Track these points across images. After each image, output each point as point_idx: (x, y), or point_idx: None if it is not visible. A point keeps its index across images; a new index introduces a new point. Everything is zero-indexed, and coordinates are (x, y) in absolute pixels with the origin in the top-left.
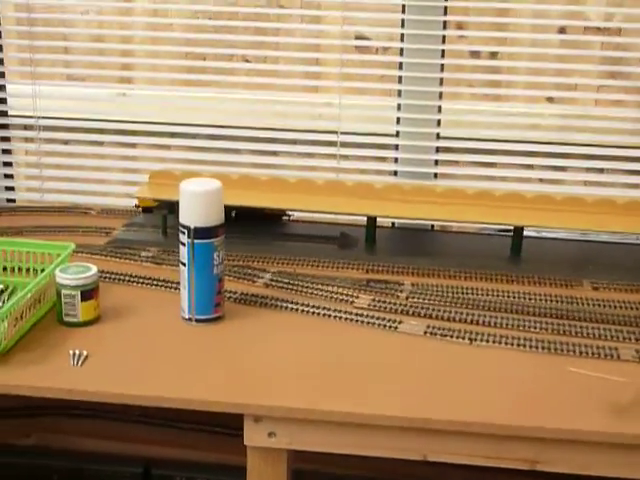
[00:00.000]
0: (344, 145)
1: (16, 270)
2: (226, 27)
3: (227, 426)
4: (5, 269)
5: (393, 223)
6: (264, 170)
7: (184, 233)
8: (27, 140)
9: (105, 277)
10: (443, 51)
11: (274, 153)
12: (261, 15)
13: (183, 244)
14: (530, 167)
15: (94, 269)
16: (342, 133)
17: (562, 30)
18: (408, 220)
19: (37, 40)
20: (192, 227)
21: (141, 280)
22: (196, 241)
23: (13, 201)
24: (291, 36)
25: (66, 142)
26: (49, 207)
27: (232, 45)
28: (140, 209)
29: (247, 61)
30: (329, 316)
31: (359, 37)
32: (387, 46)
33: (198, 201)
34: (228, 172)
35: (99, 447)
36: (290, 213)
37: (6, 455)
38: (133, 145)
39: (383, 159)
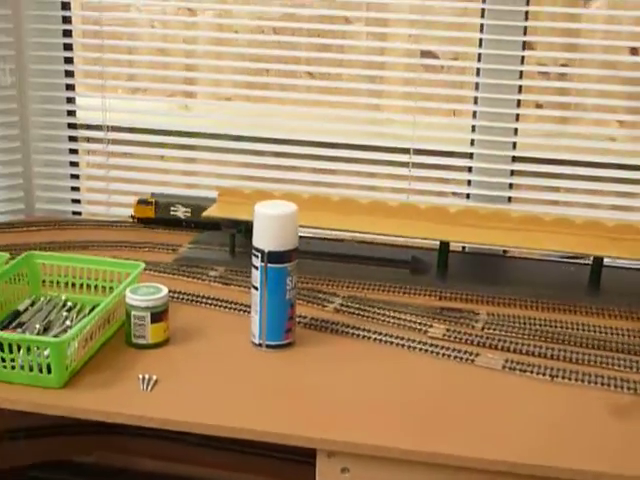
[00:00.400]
0: (416, 166)
1: (84, 287)
2: (290, 43)
3: (296, 452)
4: (73, 285)
5: (463, 247)
6: (330, 189)
7: (257, 257)
8: (95, 153)
9: (173, 297)
10: (521, 72)
11: (344, 172)
12: (326, 31)
13: (256, 268)
14: (599, 192)
15: (165, 290)
16: (415, 154)
17: (634, 51)
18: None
19: (107, 53)
20: (266, 251)
21: (209, 301)
22: (269, 265)
23: (79, 214)
24: (358, 52)
25: (129, 155)
26: (115, 221)
27: (296, 61)
28: (136, 220)
29: (311, 75)
30: (402, 346)
31: (426, 55)
32: (463, 65)
33: (273, 225)
34: (299, 191)
35: (160, 468)
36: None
37: (66, 472)
38: (194, 160)
39: (455, 181)
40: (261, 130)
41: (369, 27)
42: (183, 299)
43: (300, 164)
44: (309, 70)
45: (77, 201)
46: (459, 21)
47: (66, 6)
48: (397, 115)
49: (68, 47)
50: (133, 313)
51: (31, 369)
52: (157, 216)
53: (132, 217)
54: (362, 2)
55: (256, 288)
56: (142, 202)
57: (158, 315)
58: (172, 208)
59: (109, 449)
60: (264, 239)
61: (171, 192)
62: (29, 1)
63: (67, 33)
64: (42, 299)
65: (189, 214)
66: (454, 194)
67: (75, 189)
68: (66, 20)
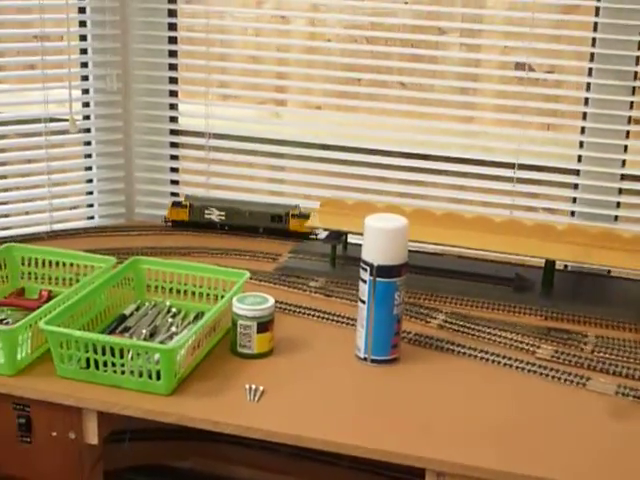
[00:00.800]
0: (520, 181)
1: (189, 293)
2: (383, 53)
3: (399, 470)
4: (178, 291)
5: (566, 265)
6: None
7: (366, 270)
8: (196, 160)
9: (275, 306)
10: (634, 88)
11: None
12: (419, 42)
13: (364, 281)
14: None
15: (271, 300)
16: (519, 169)
17: None
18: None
19: (212, 61)
20: (375, 265)
21: (311, 312)
22: (378, 279)
23: None
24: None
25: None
26: (216, 228)
27: (388, 71)
28: (170, 223)
29: (403, 85)
30: (510, 366)
31: (520, 67)
32: (563, 79)
33: (383, 238)
34: (402, 204)
35: (254, 476)
36: (316, 232)
37: (161, 476)
38: (283, 168)
39: (560, 197)
40: (350, 140)
41: (463, 38)
42: (285, 309)
43: (390, 175)
44: (402, 80)
45: None
46: (558, 33)
47: (172, 13)
48: (490, 128)
49: (173, 54)
50: (239, 322)
51: (140, 375)
52: (191, 219)
53: (165, 220)
54: (457, 13)
55: (363, 302)
56: (177, 205)
57: (264, 325)
58: (206, 211)
59: (204, 455)
60: (373, 252)
61: (205, 195)
62: (136, 8)
63: (172, 40)
64: (147, 304)
65: (223, 217)
66: (544, 210)
67: (175, 195)
68: (172, 27)
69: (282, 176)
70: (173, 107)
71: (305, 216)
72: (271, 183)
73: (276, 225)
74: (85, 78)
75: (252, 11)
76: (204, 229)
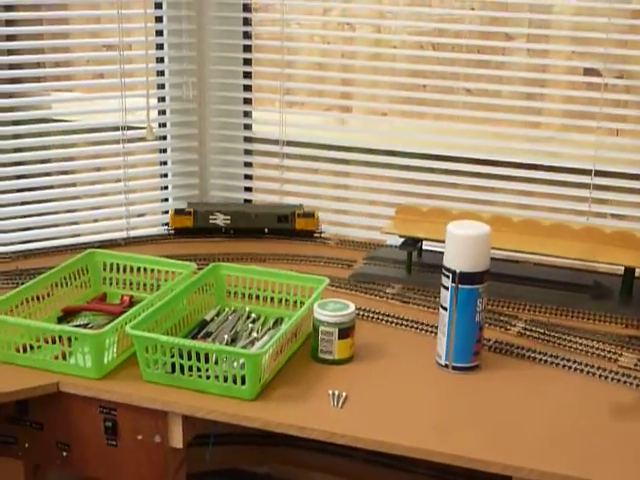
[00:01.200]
0: (597, 188)
1: (268, 299)
2: (449, 59)
3: (477, 477)
4: (257, 297)
5: None
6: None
7: (448, 277)
8: (270, 167)
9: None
10: None
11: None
12: (485, 47)
13: (446, 288)
14: None
15: (352, 307)
16: (596, 175)
17: None
18: None
19: (286, 69)
20: (457, 271)
21: (389, 319)
22: (460, 286)
23: None
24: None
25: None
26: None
27: (454, 77)
28: (172, 230)
29: (469, 92)
30: (592, 374)
31: (589, 73)
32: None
33: (466, 245)
34: (479, 211)
35: None
36: (321, 230)
37: None
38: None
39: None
40: (416, 146)
41: (530, 44)
42: (363, 315)
43: (458, 181)
44: (468, 87)
45: None
46: (629, 39)
47: (247, 22)
48: (555, 133)
49: (247, 62)
50: (321, 328)
51: (225, 380)
52: (195, 225)
53: (168, 228)
54: (524, 18)
55: (445, 308)
56: (179, 212)
57: (345, 331)
58: (211, 216)
59: (280, 461)
60: (456, 259)
61: (207, 200)
62: (212, 17)
63: (247, 48)
64: (227, 310)
65: (229, 221)
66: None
67: (248, 202)
68: (246, 35)
69: (347, 182)
70: (247, 115)
71: (310, 215)
72: (337, 189)
73: (283, 225)
74: (161, 86)
75: (323, 19)
76: (209, 234)
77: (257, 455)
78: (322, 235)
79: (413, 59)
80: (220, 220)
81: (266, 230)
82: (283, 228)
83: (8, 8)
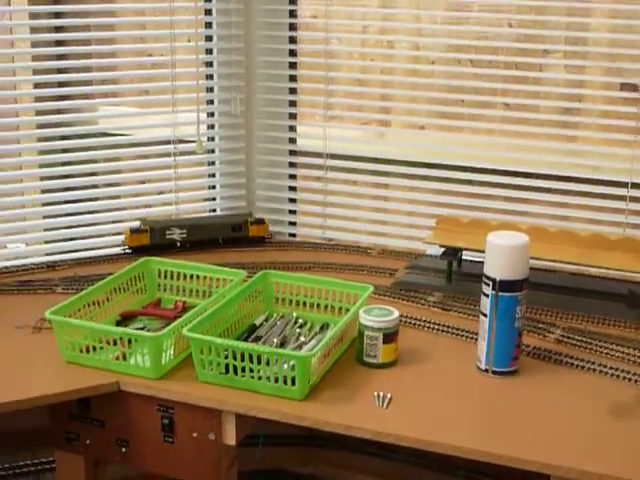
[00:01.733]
0: (634, 200)
1: (314, 306)
2: (487, 75)
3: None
4: (304, 304)
5: None
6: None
7: (488, 285)
8: (314, 179)
9: None
10: None
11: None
12: (522, 64)
13: (486, 295)
14: None
15: (396, 313)
16: (633, 187)
17: None
18: None
19: (330, 85)
20: (497, 279)
21: (431, 325)
22: (500, 294)
23: (294, 236)
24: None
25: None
26: (332, 244)
27: (492, 92)
28: (128, 248)
29: (507, 106)
30: (628, 379)
31: (625, 88)
32: None
33: (506, 254)
34: (516, 222)
35: None
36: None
37: None
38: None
39: None
40: (454, 159)
41: (567, 60)
42: (406, 322)
43: (495, 193)
44: (506, 101)
45: (293, 223)
46: None
47: (293, 40)
48: (592, 147)
49: (292, 78)
50: (366, 333)
51: (276, 380)
52: (152, 242)
53: (123, 246)
54: (561, 36)
55: (485, 315)
56: (135, 231)
57: (389, 336)
58: (168, 232)
59: (325, 462)
60: (496, 268)
61: (161, 217)
62: (260, 35)
63: (292, 65)
64: (275, 315)
65: (185, 235)
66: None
67: (292, 212)
68: (292, 53)
69: (387, 193)
70: (292, 129)
71: (260, 221)
72: (376, 200)
73: (236, 234)
74: (210, 102)
75: (367, 37)
76: (164, 250)
77: (302, 456)
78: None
79: (451, 75)
80: (177, 235)
81: (220, 240)
82: (237, 237)
83: (59, 29)
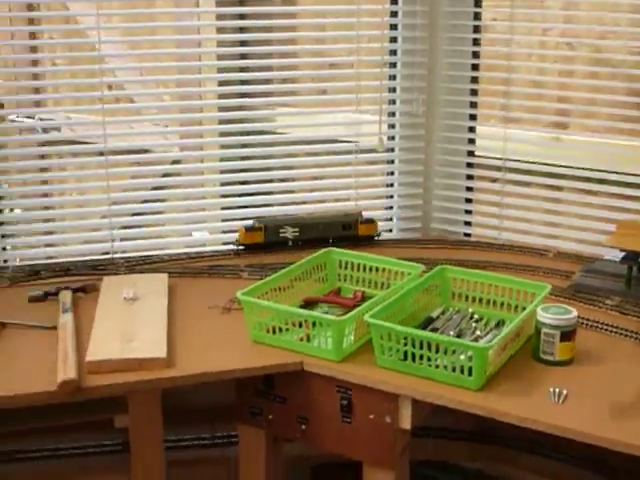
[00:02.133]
0: None
1: (490, 302)
2: None
3: None
4: (480, 300)
5: None
6: None
7: None
8: (491, 180)
9: None
10: None
11: None
12: None
13: None
14: None
15: (574, 312)
16: None
17: None
18: None
19: (512, 86)
20: None
21: (608, 328)
22: None
23: (468, 235)
24: None
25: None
26: (507, 245)
27: None
28: (242, 246)
29: None
30: None
31: None
32: None
33: None
34: None
35: None
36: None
37: (450, 474)
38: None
39: None
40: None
41: None
42: (582, 323)
43: None
44: None
45: (468, 223)
46: None
47: (476, 42)
48: None
49: (474, 80)
50: (543, 330)
51: (453, 370)
52: (266, 240)
53: (238, 244)
54: None
55: None
56: (250, 229)
57: (567, 334)
58: (281, 230)
59: (491, 458)
60: None
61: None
62: (444, 37)
63: (474, 67)
64: (451, 309)
65: (297, 233)
66: None
67: (468, 212)
68: (475, 55)
69: (562, 196)
70: (471, 130)
71: (370, 221)
72: (550, 202)
73: (347, 233)
74: (392, 102)
75: (554, 39)
76: (277, 247)
77: (468, 451)
78: (540, 248)
79: (635, 77)
80: (289, 233)
81: (331, 239)
82: (347, 235)
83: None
